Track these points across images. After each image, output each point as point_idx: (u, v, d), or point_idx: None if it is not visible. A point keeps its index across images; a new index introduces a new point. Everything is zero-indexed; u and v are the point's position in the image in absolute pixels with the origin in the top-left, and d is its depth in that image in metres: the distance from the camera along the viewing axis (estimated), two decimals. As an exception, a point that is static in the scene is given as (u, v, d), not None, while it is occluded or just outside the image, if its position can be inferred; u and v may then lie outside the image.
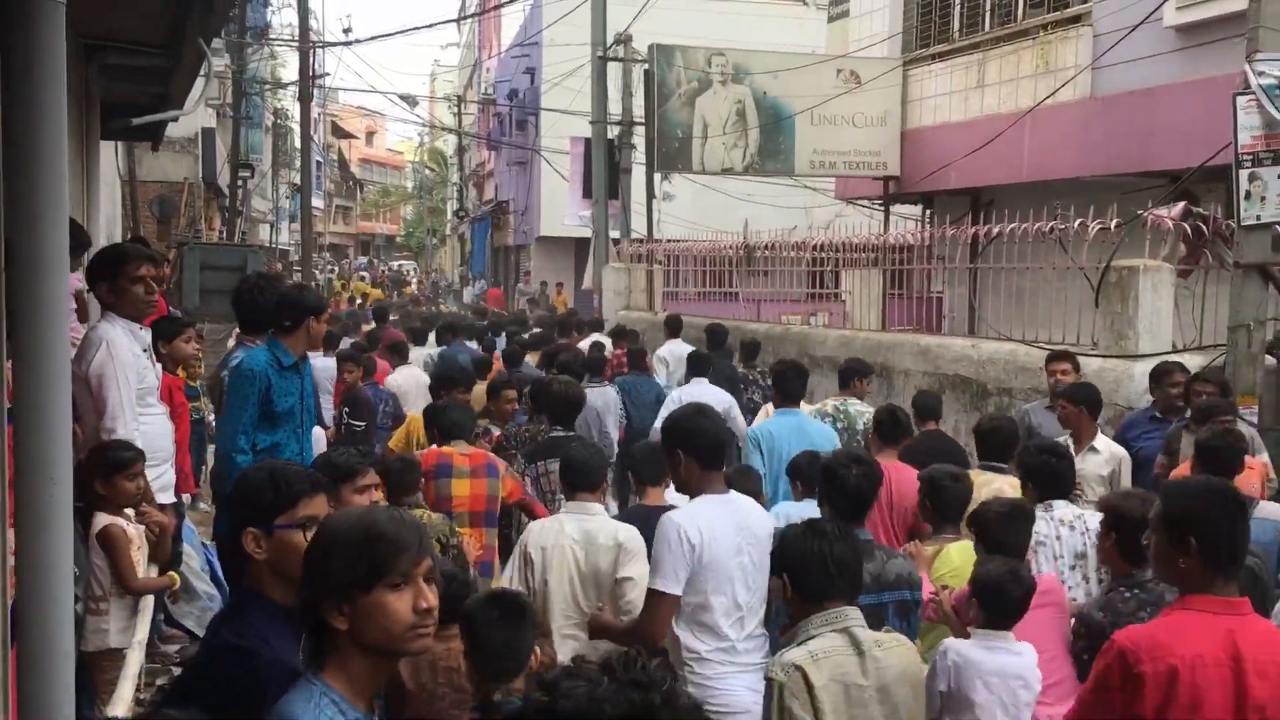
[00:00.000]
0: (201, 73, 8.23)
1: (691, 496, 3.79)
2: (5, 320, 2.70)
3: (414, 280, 48.74)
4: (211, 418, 7.35)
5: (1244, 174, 7.09)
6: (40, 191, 2.58)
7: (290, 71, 37.38)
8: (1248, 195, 7.11)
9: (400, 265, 58.56)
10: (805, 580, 3.12)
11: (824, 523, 3.30)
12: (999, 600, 3.55)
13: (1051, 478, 4.65)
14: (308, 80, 22.46)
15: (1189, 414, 6.06)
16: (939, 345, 9.56)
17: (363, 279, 42.93)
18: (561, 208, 23.80)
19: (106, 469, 4.43)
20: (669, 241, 16.65)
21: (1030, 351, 8.40)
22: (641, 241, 17.41)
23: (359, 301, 27.79)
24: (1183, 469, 5.26)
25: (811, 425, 6.60)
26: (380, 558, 2.05)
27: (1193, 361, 7.53)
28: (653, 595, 3.64)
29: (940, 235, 10.46)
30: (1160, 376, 6.72)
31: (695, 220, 19.52)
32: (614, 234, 17.82)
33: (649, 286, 15.95)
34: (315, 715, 2.01)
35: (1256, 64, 7.01)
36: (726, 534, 3.66)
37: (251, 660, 2.43)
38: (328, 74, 34.31)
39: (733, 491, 3.90)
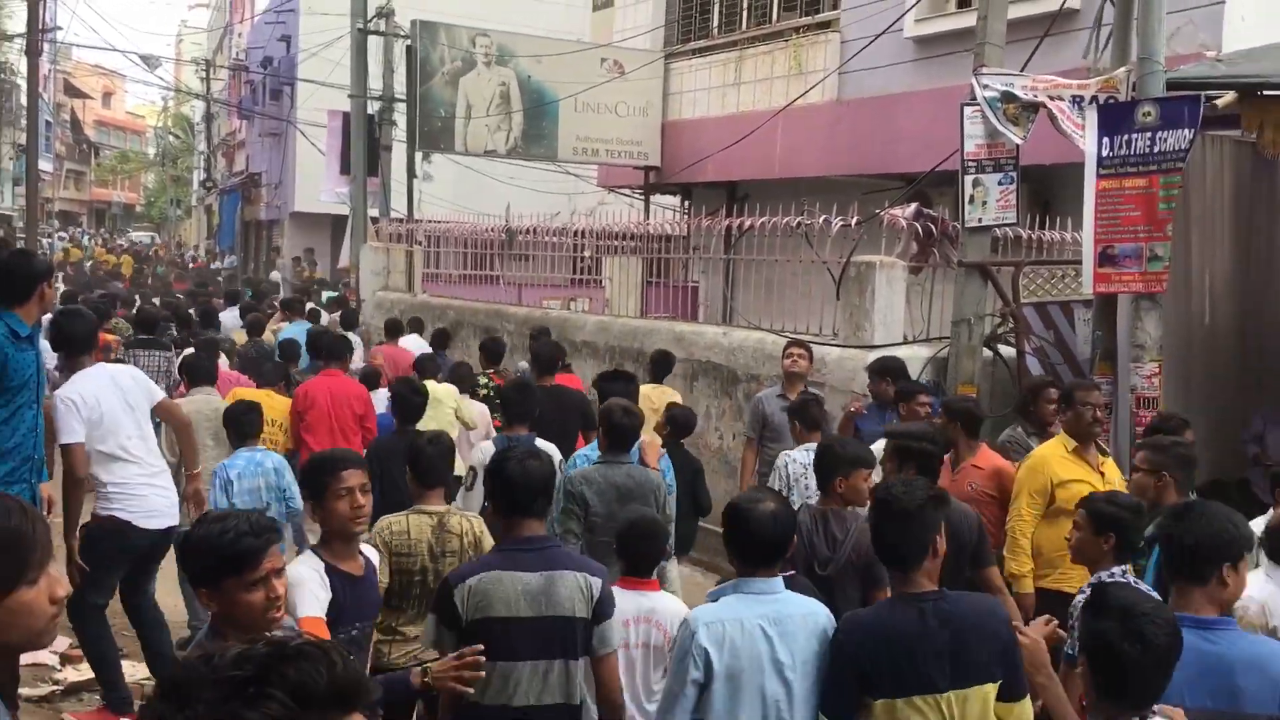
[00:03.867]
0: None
1: None
2: None
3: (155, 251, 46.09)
4: None
5: (968, 179, 7.69)
6: None
7: (16, 23, 34.40)
8: (971, 199, 7.72)
9: (152, 237, 55.20)
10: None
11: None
12: None
13: None
14: (37, 33, 20.78)
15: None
16: (693, 332, 9.88)
17: (105, 247, 40.42)
18: (317, 183, 22.95)
19: None
20: (430, 222, 16.41)
21: (777, 340, 8.80)
22: (401, 221, 17.06)
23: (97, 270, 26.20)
24: None
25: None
26: (23, 557, 1.92)
27: (921, 352, 8.12)
28: (63, 448, 5.24)
29: (697, 226, 10.80)
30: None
31: (457, 202, 19.31)
32: (373, 212, 17.40)
33: (409, 267, 15.67)
34: None
35: (982, 77, 7.60)
36: (110, 397, 5.37)
37: None
38: (59, 28, 31.80)
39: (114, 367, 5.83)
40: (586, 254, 13.37)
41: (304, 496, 4.30)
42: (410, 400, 6.51)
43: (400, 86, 16.86)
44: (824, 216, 8.87)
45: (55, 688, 5.87)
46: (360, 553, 3.70)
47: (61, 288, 17.26)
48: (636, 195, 16.51)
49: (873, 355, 7.96)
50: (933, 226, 8.63)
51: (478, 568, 3.57)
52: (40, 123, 22.82)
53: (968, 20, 10.91)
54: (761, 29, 14.10)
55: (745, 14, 14.45)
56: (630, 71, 15.18)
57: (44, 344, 5.42)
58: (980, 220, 7.76)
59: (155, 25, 71.25)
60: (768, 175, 13.39)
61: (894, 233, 8.73)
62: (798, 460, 5.90)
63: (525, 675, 3.46)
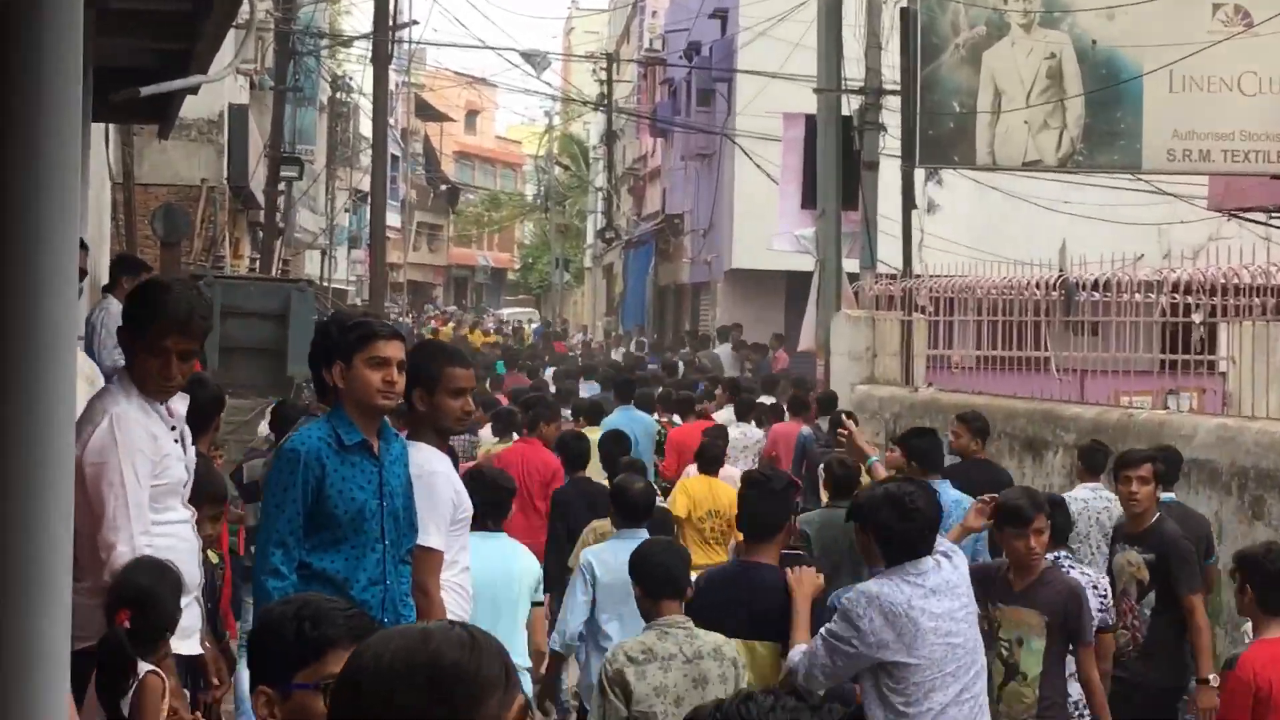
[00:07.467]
0: (238, 22, 8.64)
1: None
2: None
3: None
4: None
5: None
6: (45, 189, 2.80)
7: (359, 20, 38.05)
8: None
9: (530, 315, 58.82)
10: None
11: None
12: None
13: None
14: (387, 32, 22.97)
15: None
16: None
17: (479, 329, 44.33)
18: (766, 224, 23.90)
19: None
20: (937, 277, 16.56)
21: None
22: (894, 278, 17.35)
23: None
24: None
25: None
26: (466, 703, 2.10)
27: None
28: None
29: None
30: None
31: (977, 244, 19.42)
32: (850, 265, 17.81)
33: (905, 348, 15.85)
34: None
35: None
36: None
37: None
38: (415, 22, 34.96)
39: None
40: (1197, 319, 12.93)
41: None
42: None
43: (892, 72, 17.31)
44: None
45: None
46: None
47: None
48: (1276, 221, 15.84)
49: None
50: None
51: None
52: (387, 158, 24.93)
53: None
54: None
55: None
56: (1262, 22, 14.70)
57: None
58: None
59: (539, 10, 77.52)
60: None
61: None
62: (1079, 498, 9.81)
63: None
